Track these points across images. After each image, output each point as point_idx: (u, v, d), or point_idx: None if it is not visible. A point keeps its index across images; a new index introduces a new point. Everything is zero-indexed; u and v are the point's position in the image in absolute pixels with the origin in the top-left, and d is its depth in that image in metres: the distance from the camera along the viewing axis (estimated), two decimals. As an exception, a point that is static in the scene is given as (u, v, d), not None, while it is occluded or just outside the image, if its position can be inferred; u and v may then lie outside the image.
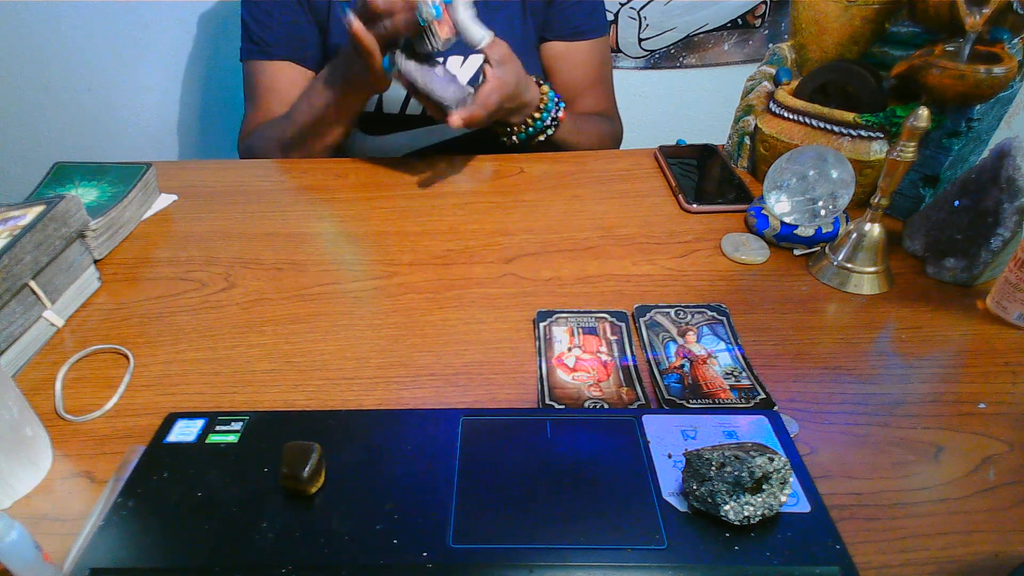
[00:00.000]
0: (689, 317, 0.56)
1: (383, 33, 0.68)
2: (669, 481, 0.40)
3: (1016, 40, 0.62)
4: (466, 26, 0.70)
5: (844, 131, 0.68)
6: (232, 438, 0.43)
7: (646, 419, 0.44)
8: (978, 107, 0.62)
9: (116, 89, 1.31)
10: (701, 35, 1.40)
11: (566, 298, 0.60)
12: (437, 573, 0.35)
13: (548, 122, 0.83)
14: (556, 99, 0.83)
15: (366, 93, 0.80)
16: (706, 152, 0.85)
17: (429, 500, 0.39)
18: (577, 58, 0.94)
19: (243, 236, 0.69)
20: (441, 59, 0.72)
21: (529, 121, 0.82)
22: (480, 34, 0.71)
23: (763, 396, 0.48)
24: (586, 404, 0.48)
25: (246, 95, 0.92)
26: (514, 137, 0.83)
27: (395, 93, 0.87)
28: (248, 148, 0.90)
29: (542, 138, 0.84)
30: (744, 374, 0.50)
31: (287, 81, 0.88)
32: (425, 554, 0.36)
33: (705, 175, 0.80)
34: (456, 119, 0.70)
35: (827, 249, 0.62)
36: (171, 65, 1.29)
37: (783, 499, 0.37)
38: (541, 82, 0.84)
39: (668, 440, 0.42)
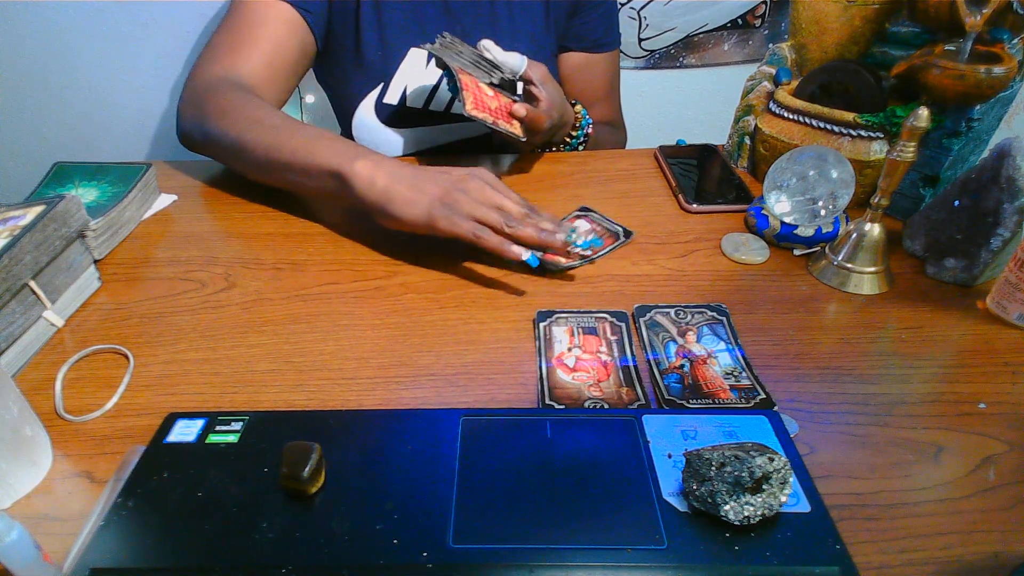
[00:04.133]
0: (689, 317, 0.56)
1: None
2: (669, 481, 0.40)
3: (1016, 40, 0.62)
4: (502, 59, 0.74)
5: (844, 131, 0.68)
6: (232, 438, 0.43)
7: (646, 419, 0.44)
8: (978, 107, 0.62)
9: (117, 89, 1.31)
10: (701, 35, 1.40)
11: (566, 298, 0.60)
12: (437, 573, 0.35)
13: (582, 139, 0.88)
14: (585, 114, 0.89)
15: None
16: (706, 152, 0.85)
17: (429, 500, 0.39)
18: (595, 69, 0.96)
19: (243, 236, 0.69)
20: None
21: (567, 139, 0.87)
22: (517, 61, 0.75)
23: (763, 396, 0.48)
24: (586, 404, 0.48)
25: (222, 23, 0.79)
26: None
27: (421, 88, 0.87)
28: (197, 102, 0.74)
29: None
30: (744, 374, 0.50)
31: (279, 25, 0.77)
32: (425, 554, 0.35)
33: (705, 175, 0.80)
34: (521, 110, 0.72)
35: (827, 249, 0.62)
36: (172, 65, 1.29)
37: (783, 499, 0.37)
38: (574, 101, 0.88)
39: (668, 440, 0.42)
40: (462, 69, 0.74)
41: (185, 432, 0.43)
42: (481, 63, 0.76)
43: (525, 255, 0.59)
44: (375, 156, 0.64)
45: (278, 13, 0.78)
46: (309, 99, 1.24)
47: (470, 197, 0.60)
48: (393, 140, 0.91)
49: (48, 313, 0.55)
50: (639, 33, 1.39)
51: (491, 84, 0.76)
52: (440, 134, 0.93)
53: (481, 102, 0.72)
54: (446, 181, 0.62)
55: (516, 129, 0.74)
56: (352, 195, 0.62)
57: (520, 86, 0.78)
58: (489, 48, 0.74)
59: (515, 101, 0.76)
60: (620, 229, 0.69)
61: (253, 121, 0.69)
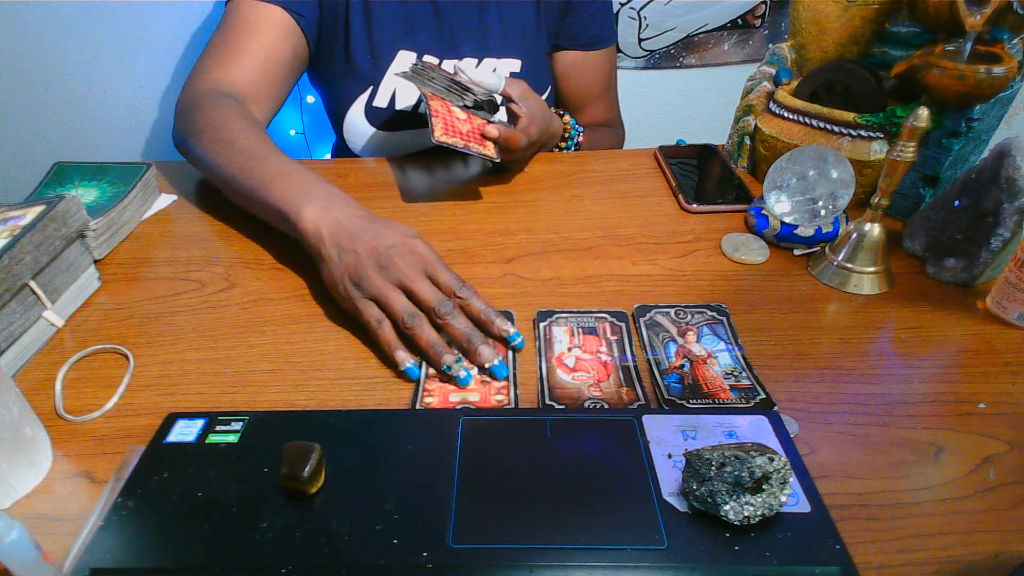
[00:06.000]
0: (689, 317, 0.56)
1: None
2: (669, 481, 0.40)
3: (1016, 40, 0.62)
4: (479, 80, 0.73)
5: (844, 131, 0.68)
6: (232, 438, 0.43)
7: (646, 419, 0.44)
8: (978, 107, 0.62)
9: (116, 89, 1.31)
10: (701, 35, 1.40)
11: (566, 298, 0.60)
12: (437, 573, 0.35)
13: (573, 149, 0.89)
14: (574, 124, 0.90)
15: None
16: (706, 152, 0.85)
17: (429, 500, 0.39)
18: (591, 66, 0.96)
19: (243, 236, 0.69)
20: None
21: (556, 152, 0.88)
22: (494, 81, 0.74)
23: (763, 396, 0.48)
24: (586, 404, 0.48)
25: (217, 29, 0.79)
26: None
27: (410, 91, 0.87)
28: (185, 114, 0.73)
29: None
30: (744, 374, 0.50)
31: (272, 29, 0.78)
32: (425, 554, 0.35)
33: (705, 175, 0.80)
34: (493, 131, 0.72)
35: (827, 249, 0.62)
36: (171, 65, 1.29)
37: (783, 499, 0.37)
38: (562, 112, 0.89)
39: (668, 440, 0.42)
40: (433, 95, 0.73)
41: (185, 432, 0.43)
42: (454, 87, 0.75)
43: (406, 363, 0.50)
44: (324, 202, 0.58)
45: (271, 18, 0.78)
46: (310, 100, 1.24)
47: (384, 276, 0.53)
48: (383, 143, 0.92)
49: (48, 313, 0.55)
50: (639, 33, 1.39)
51: (465, 107, 0.75)
52: (429, 137, 0.94)
53: (451, 126, 0.71)
54: (370, 251, 0.54)
55: (489, 151, 0.73)
56: (301, 241, 0.59)
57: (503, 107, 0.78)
58: (464, 70, 0.74)
59: (489, 122, 0.75)
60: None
61: (225, 144, 0.67)
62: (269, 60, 0.78)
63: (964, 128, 0.63)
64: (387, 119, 0.90)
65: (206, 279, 0.63)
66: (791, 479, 0.38)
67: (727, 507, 0.36)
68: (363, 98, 0.87)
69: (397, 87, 0.87)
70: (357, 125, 0.89)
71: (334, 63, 0.87)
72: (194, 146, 0.71)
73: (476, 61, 0.88)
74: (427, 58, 0.86)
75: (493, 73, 0.75)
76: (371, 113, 0.88)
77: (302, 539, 0.36)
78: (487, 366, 0.50)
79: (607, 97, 1.01)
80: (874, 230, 0.59)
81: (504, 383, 0.50)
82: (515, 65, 0.90)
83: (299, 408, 0.48)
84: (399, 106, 0.88)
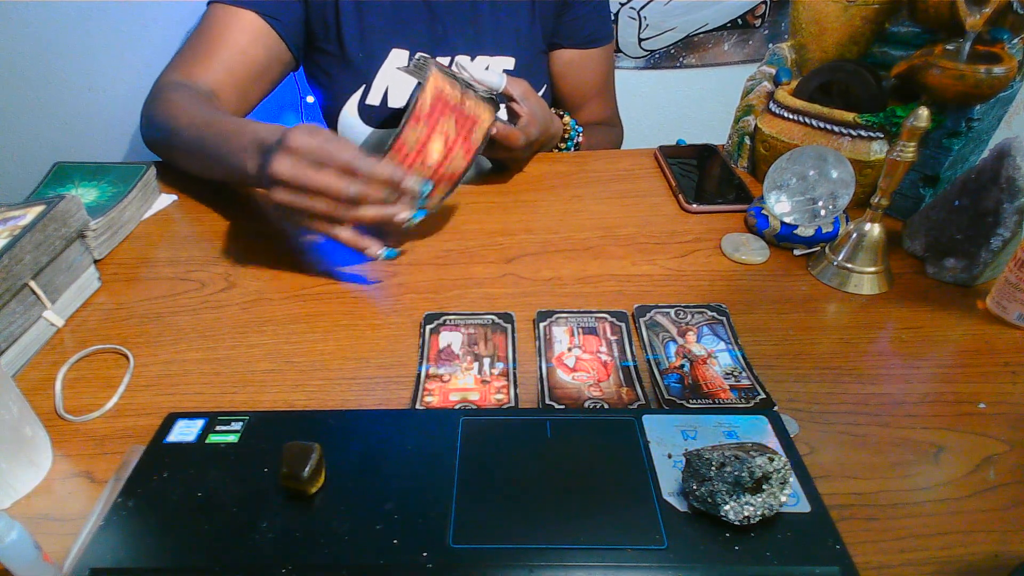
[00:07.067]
0: (689, 317, 0.56)
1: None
2: (669, 481, 0.40)
3: (1016, 40, 0.62)
4: (481, 78, 0.73)
5: (844, 131, 0.68)
6: (232, 438, 0.43)
7: (646, 419, 0.44)
8: (978, 107, 0.62)
9: (116, 89, 1.31)
10: (701, 35, 1.40)
11: (566, 298, 0.60)
12: (437, 573, 0.35)
13: (573, 150, 0.89)
14: (574, 124, 0.90)
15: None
16: (706, 152, 0.85)
17: (429, 500, 0.39)
18: (588, 65, 0.96)
19: (243, 236, 0.69)
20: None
21: (556, 152, 0.88)
22: (495, 80, 0.73)
23: (763, 396, 0.48)
24: (586, 404, 0.48)
25: (191, 34, 0.81)
26: None
27: (403, 88, 0.87)
28: (148, 106, 0.77)
29: None
30: (744, 374, 0.50)
31: (243, 33, 0.79)
32: (425, 554, 0.36)
33: (705, 175, 0.80)
34: (494, 128, 0.71)
35: (827, 249, 0.62)
36: (171, 65, 1.29)
37: (783, 499, 0.37)
38: (562, 113, 0.90)
39: (668, 440, 0.42)
40: None
41: (185, 432, 0.43)
42: (455, 84, 0.76)
43: (380, 250, 0.57)
44: (252, 149, 0.60)
45: (243, 22, 0.79)
46: (309, 100, 1.24)
47: (287, 191, 0.55)
48: (373, 141, 0.92)
49: (48, 313, 0.55)
50: (639, 33, 1.39)
51: None
52: None
53: None
54: (270, 173, 0.55)
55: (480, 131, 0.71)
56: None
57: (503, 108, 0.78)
58: (465, 67, 0.73)
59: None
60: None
61: (175, 119, 0.71)
62: (237, 63, 0.79)
63: (964, 128, 0.63)
64: (381, 117, 0.90)
65: (206, 279, 0.63)
66: (791, 479, 0.38)
67: (727, 507, 0.36)
68: (356, 96, 0.88)
69: (389, 85, 0.87)
70: (351, 123, 0.89)
71: (328, 62, 0.87)
72: (157, 130, 0.74)
73: (468, 58, 0.88)
74: (421, 55, 0.86)
75: (493, 71, 0.75)
76: (364, 111, 0.88)
77: (302, 539, 0.36)
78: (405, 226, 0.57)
79: (605, 95, 1.00)
80: (874, 230, 0.59)
81: (504, 382, 0.50)
82: (509, 63, 0.89)
83: (299, 408, 0.48)
84: (392, 104, 0.88)
